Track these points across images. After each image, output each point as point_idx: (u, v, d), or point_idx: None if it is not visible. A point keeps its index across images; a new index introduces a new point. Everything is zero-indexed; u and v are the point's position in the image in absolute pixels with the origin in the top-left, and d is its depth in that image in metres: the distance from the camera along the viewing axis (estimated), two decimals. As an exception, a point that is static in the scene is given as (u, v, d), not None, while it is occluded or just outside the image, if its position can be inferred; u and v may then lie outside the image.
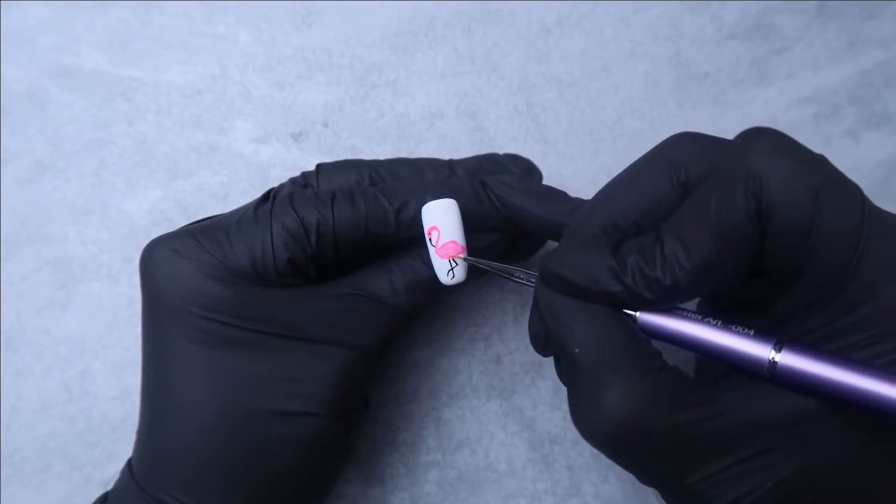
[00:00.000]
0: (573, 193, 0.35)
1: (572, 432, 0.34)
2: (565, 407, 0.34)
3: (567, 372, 0.23)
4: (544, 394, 0.34)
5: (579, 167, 0.35)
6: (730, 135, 0.36)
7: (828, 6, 0.36)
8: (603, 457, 0.34)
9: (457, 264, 0.26)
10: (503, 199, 0.27)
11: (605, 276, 0.21)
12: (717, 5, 0.36)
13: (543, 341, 0.25)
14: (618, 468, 0.34)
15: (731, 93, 0.36)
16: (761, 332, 0.21)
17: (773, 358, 0.20)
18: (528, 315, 0.34)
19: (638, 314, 0.22)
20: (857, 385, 0.19)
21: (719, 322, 0.22)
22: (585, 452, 0.34)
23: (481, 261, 0.27)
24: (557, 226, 0.26)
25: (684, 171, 0.22)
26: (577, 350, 0.21)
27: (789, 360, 0.20)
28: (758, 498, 0.20)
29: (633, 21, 0.36)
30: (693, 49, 0.36)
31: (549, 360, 0.34)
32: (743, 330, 0.21)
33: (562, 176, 0.35)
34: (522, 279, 0.25)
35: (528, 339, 0.34)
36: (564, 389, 0.34)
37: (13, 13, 0.35)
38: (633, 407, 0.20)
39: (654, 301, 0.21)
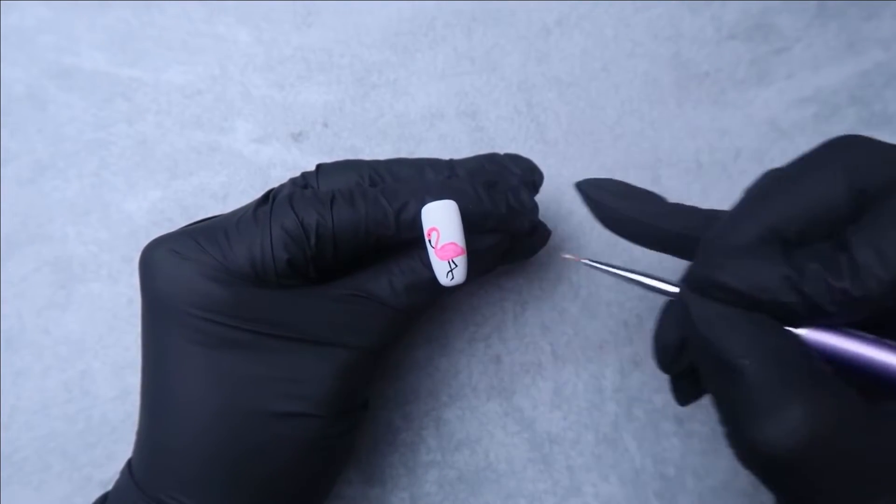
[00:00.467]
0: (573, 194, 0.36)
1: (572, 432, 0.34)
2: (565, 407, 0.34)
3: (723, 387, 0.20)
4: (544, 394, 0.34)
5: (579, 167, 0.35)
6: (730, 135, 0.36)
7: (828, 6, 0.36)
8: (603, 457, 0.34)
9: (456, 265, 0.26)
10: (599, 204, 0.25)
11: (779, 285, 0.20)
12: (717, 5, 0.36)
13: (673, 354, 0.23)
14: (619, 468, 0.34)
15: (731, 93, 0.36)
16: None
17: None
18: (527, 315, 0.34)
19: (805, 331, 0.20)
20: None
21: None
22: (585, 452, 0.34)
23: (605, 264, 0.25)
24: (657, 232, 0.24)
25: (861, 177, 0.20)
26: (746, 362, 0.19)
27: None
28: None
29: (633, 21, 0.36)
30: (693, 49, 0.36)
31: (549, 361, 0.34)
32: None
33: (562, 176, 0.35)
34: (654, 286, 0.24)
35: (527, 339, 0.34)
36: (564, 389, 0.34)
37: (13, 13, 0.35)
38: (818, 426, 0.18)
39: (835, 314, 0.20)
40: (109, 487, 0.28)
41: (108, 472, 0.33)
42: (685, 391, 0.25)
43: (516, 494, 0.34)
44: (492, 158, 0.30)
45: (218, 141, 0.35)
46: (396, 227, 0.26)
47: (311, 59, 0.35)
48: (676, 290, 0.23)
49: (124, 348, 0.34)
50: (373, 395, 0.33)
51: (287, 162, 0.35)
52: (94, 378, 0.33)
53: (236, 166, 0.35)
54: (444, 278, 0.27)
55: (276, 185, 0.29)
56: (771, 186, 0.22)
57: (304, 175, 0.29)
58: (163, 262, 0.25)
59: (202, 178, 0.35)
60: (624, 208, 0.25)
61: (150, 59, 0.35)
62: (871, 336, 0.20)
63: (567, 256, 0.27)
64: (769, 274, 0.20)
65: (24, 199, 0.34)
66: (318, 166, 0.29)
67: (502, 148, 0.34)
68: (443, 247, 0.26)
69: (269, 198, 0.27)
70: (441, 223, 0.26)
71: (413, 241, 0.27)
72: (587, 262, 0.25)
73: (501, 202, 0.27)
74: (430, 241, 0.26)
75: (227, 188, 0.35)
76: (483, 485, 0.34)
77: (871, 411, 0.19)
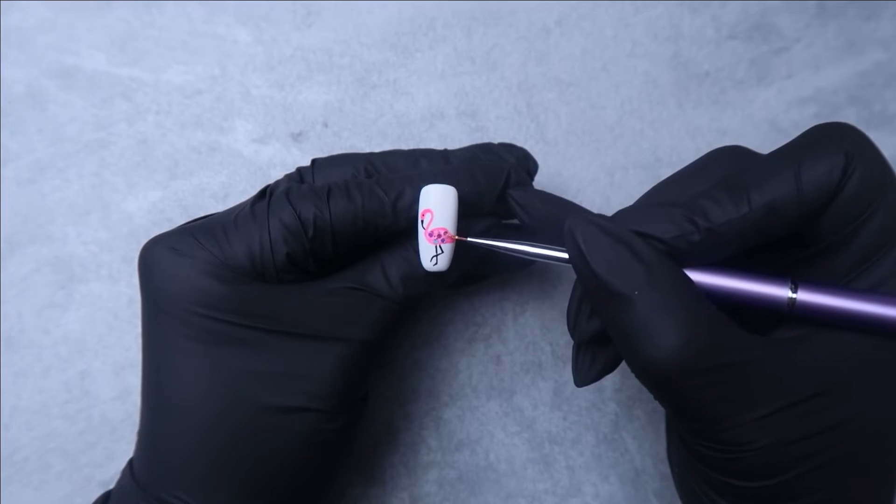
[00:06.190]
0: (573, 193, 0.36)
1: (572, 432, 0.34)
2: (565, 407, 0.34)
3: (616, 316, 0.23)
4: (544, 394, 0.34)
5: (579, 167, 0.35)
6: (730, 135, 0.36)
7: (828, 6, 0.36)
8: (603, 457, 0.34)
9: (442, 252, 0.26)
10: (529, 209, 0.27)
11: (676, 220, 0.22)
12: (717, 5, 0.36)
13: (584, 313, 0.25)
14: (619, 468, 0.34)
15: (731, 93, 0.36)
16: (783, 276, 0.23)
17: (792, 296, 0.23)
18: (527, 315, 0.34)
19: (692, 272, 0.23)
20: (869, 309, 0.22)
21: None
22: (585, 452, 0.34)
23: (491, 239, 0.26)
24: None
25: (733, 174, 0.24)
26: (636, 293, 0.22)
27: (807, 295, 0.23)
28: (795, 442, 0.21)
29: (633, 21, 0.36)
30: (693, 49, 0.36)
31: (549, 361, 0.34)
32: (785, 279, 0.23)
33: (562, 176, 0.35)
34: (546, 254, 0.26)
35: (528, 339, 0.34)
36: (565, 389, 0.34)
37: (13, 13, 0.35)
38: (697, 341, 0.21)
39: (702, 243, 0.22)
40: (109, 487, 0.28)
41: (108, 472, 0.33)
42: (584, 368, 0.26)
43: (516, 494, 0.34)
44: (486, 148, 0.30)
45: (218, 141, 0.35)
46: (394, 216, 0.26)
47: (311, 59, 0.35)
48: (566, 255, 0.25)
49: (124, 348, 0.34)
50: (373, 396, 0.33)
51: (287, 162, 0.35)
52: (94, 378, 0.33)
53: (236, 166, 0.35)
54: (427, 262, 0.26)
55: (275, 184, 0.29)
56: (665, 183, 0.26)
57: (300, 170, 0.29)
58: (161, 259, 0.25)
59: (202, 178, 0.35)
60: (552, 215, 0.26)
61: (150, 59, 0.35)
62: (739, 270, 0.23)
63: (454, 237, 0.27)
64: (667, 214, 0.23)
65: (24, 199, 0.34)
66: (314, 161, 0.29)
67: (502, 148, 0.34)
68: (433, 230, 0.26)
69: (265, 193, 0.27)
70: (436, 206, 0.26)
71: (410, 230, 0.27)
72: (472, 239, 0.26)
73: (498, 182, 0.27)
74: (422, 221, 0.26)
75: (227, 188, 0.35)
76: (483, 485, 0.34)
77: (755, 335, 0.22)
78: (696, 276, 0.23)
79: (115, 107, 0.35)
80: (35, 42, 0.35)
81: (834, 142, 0.22)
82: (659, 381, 0.22)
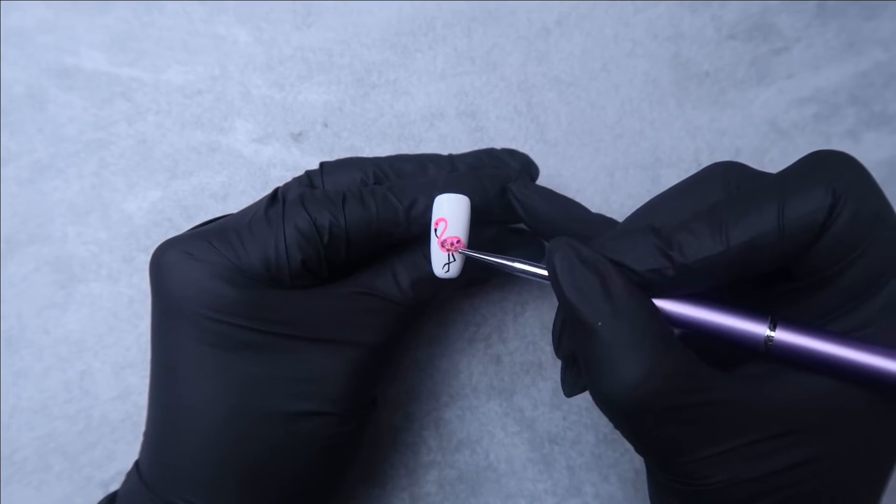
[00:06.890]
0: (573, 193, 0.36)
1: (572, 432, 0.34)
2: (565, 407, 0.34)
3: (582, 346, 0.23)
4: (544, 394, 0.34)
5: (579, 167, 0.35)
6: (730, 135, 0.36)
7: (828, 6, 0.36)
8: (603, 457, 0.34)
9: (454, 259, 0.26)
10: (528, 206, 0.27)
11: (650, 252, 0.22)
12: (717, 5, 0.36)
13: (559, 332, 0.26)
14: (619, 468, 0.34)
15: (731, 93, 0.36)
16: (761, 312, 0.23)
17: (769, 335, 0.22)
18: (527, 315, 0.35)
19: (663, 302, 0.23)
20: (848, 357, 0.21)
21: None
22: (585, 452, 0.34)
23: (480, 252, 0.26)
24: (577, 235, 0.26)
25: (736, 186, 0.24)
26: (599, 324, 0.21)
27: (785, 335, 0.22)
28: (753, 480, 0.21)
29: (633, 21, 0.36)
30: (693, 49, 0.36)
31: (549, 361, 0.34)
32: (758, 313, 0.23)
33: (562, 176, 0.35)
34: (528, 270, 0.25)
35: (528, 339, 0.34)
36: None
37: (13, 13, 0.35)
38: (656, 380, 0.21)
39: (676, 278, 0.22)
40: (110, 487, 0.28)
41: (108, 472, 0.33)
42: (570, 381, 0.27)
43: (516, 494, 0.34)
44: (490, 153, 0.30)
45: (218, 141, 0.35)
46: (407, 224, 0.26)
47: (311, 59, 0.35)
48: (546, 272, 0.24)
49: (124, 348, 0.34)
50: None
51: (287, 162, 0.35)
52: (94, 378, 0.33)
53: (236, 166, 0.35)
54: (439, 269, 0.27)
55: (276, 184, 0.29)
56: (663, 194, 0.25)
57: (308, 174, 0.29)
58: (175, 263, 0.25)
59: (202, 178, 0.35)
60: (550, 213, 0.27)
61: (150, 59, 0.35)
62: (718, 303, 0.23)
63: (461, 251, 0.27)
64: (645, 245, 0.22)
65: (24, 199, 0.34)
66: (322, 164, 0.29)
67: (502, 148, 0.34)
68: (446, 238, 0.26)
69: (277, 197, 0.27)
70: (450, 215, 0.26)
71: (420, 236, 0.27)
72: (467, 252, 0.26)
73: (505, 192, 0.28)
74: (435, 230, 0.26)
75: (227, 188, 0.35)
76: (483, 485, 0.34)
77: (718, 372, 0.22)
78: (670, 306, 0.23)
79: (115, 107, 0.35)
80: (35, 42, 0.35)
81: (824, 177, 0.21)
82: (613, 414, 0.22)
